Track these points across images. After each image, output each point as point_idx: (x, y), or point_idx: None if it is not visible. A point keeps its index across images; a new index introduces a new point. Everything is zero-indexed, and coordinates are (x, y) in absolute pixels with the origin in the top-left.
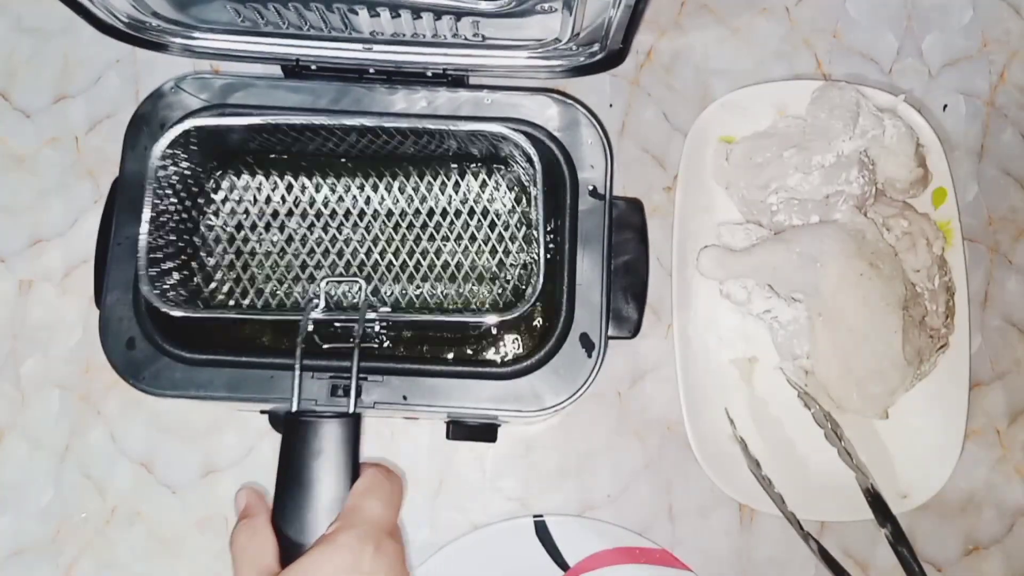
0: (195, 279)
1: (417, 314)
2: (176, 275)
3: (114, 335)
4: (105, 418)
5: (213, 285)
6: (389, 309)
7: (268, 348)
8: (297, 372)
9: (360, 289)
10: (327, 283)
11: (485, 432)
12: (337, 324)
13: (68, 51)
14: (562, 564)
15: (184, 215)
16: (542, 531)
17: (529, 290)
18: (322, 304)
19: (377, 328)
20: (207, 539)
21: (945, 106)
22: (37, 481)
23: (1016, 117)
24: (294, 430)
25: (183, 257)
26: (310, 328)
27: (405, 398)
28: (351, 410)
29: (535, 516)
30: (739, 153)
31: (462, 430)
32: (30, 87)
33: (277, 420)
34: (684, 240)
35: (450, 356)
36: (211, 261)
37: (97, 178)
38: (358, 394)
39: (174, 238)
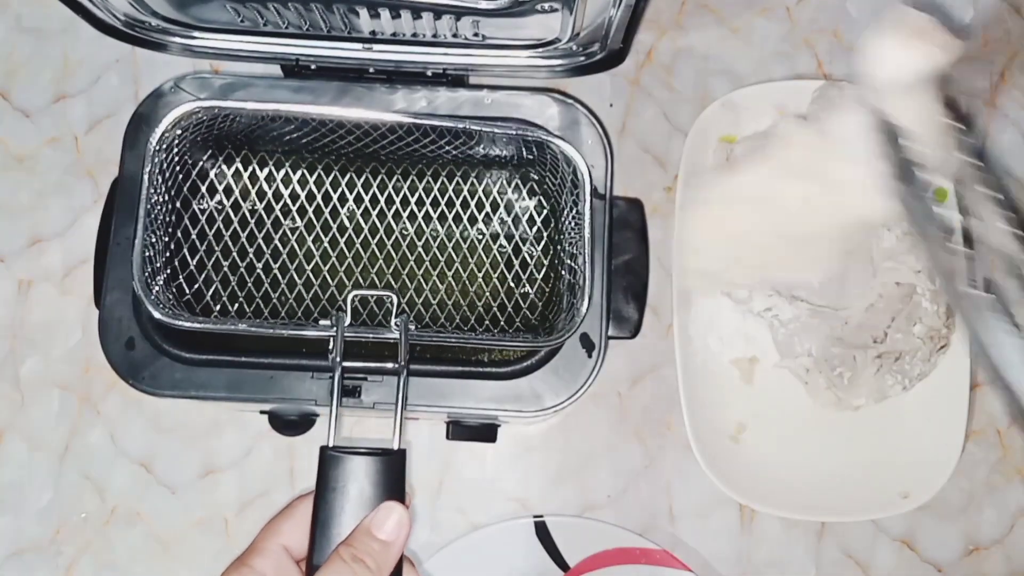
0: (196, 284)
1: (460, 335)
2: (176, 280)
3: (114, 335)
4: (105, 418)
5: (216, 290)
6: (415, 325)
7: (268, 348)
8: (334, 404)
9: (393, 304)
10: (355, 296)
11: (485, 432)
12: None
13: (68, 51)
14: (562, 565)
15: (182, 212)
16: (542, 531)
17: (575, 309)
18: (348, 319)
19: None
20: (207, 539)
21: None
22: (37, 481)
23: (1017, 117)
24: (331, 466)
25: (182, 259)
26: (340, 354)
27: (405, 398)
28: (396, 445)
29: (535, 516)
30: (740, 153)
31: (462, 430)
32: (30, 87)
33: (278, 421)
34: (684, 240)
35: (450, 356)
36: (212, 263)
37: (97, 178)
38: (402, 428)
39: (167, 239)
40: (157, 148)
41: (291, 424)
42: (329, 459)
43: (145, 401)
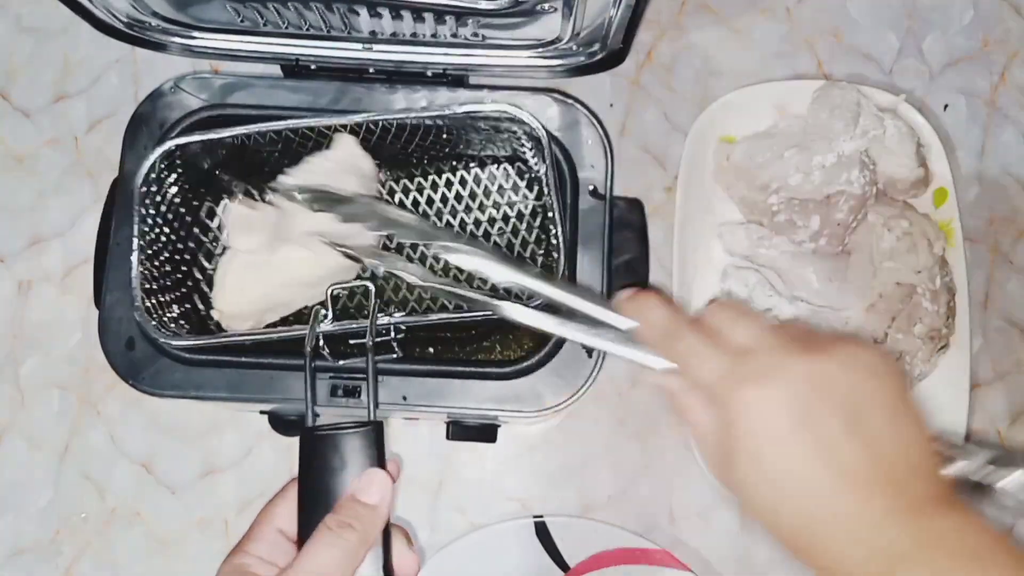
0: (189, 303)
1: (428, 315)
2: (176, 306)
3: (114, 335)
4: (105, 418)
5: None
6: (402, 313)
7: (268, 348)
8: (309, 391)
9: (370, 293)
10: (333, 289)
11: (485, 432)
12: (348, 333)
13: (68, 51)
14: (562, 565)
15: (179, 242)
16: (542, 532)
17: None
18: (330, 315)
19: (393, 334)
20: (207, 539)
21: (946, 106)
22: (37, 481)
23: (1017, 117)
24: (312, 446)
25: (182, 287)
26: (320, 342)
27: (405, 398)
28: (371, 417)
29: (535, 517)
30: (740, 153)
31: (462, 430)
32: (30, 87)
33: (278, 421)
34: (684, 240)
35: (451, 356)
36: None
37: (97, 178)
38: (375, 401)
39: (169, 268)
40: (144, 189)
41: (291, 424)
42: (309, 438)
43: (145, 401)
